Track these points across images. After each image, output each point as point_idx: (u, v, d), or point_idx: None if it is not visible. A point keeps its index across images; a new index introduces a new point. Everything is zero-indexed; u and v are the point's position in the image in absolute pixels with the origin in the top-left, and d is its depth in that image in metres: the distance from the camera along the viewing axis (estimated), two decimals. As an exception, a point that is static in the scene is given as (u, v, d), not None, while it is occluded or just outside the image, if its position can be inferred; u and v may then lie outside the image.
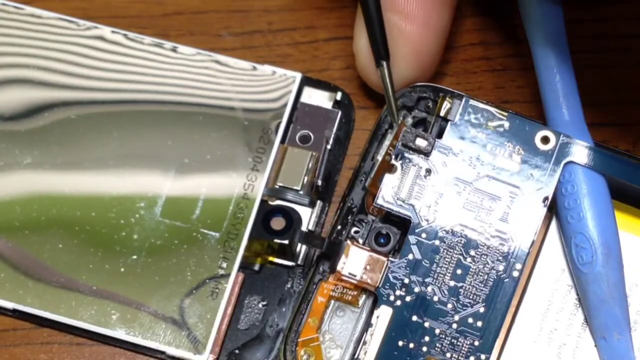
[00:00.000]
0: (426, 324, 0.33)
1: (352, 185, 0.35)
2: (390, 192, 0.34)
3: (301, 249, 0.36)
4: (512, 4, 0.36)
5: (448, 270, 0.33)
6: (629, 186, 0.34)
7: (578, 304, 0.34)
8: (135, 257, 0.35)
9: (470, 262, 0.33)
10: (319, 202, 0.36)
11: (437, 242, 0.33)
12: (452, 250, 0.33)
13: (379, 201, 0.34)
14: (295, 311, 0.34)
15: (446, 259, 0.33)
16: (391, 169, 0.34)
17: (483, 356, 0.33)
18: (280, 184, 0.36)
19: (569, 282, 0.34)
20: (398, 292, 0.33)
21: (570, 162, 0.34)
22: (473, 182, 0.34)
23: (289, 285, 0.36)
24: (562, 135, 0.34)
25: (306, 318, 0.34)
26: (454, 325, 0.33)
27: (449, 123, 0.34)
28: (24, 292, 0.35)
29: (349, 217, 0.35)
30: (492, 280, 0.33)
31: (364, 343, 0.33)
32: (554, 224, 0.35)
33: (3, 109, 0.37)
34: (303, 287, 0.35)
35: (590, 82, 0.37)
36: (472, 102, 0.34)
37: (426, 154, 0.34)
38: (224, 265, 0.35)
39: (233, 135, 0.37)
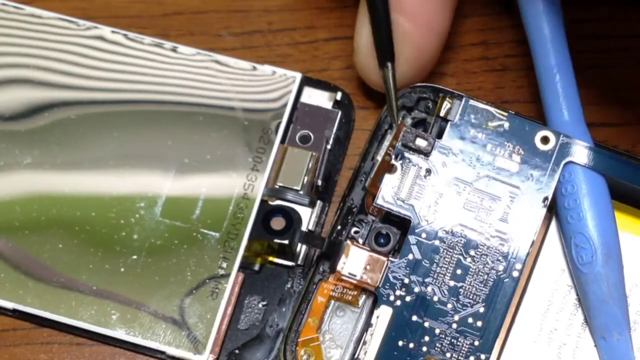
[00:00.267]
0: (426, 324, 0.33)
1: (352, 185, 0.35)
2: (390, 192, 0.34)
3: (301, 249, 0.36)
4: (512, 4, 0.36)
5: (448, 270, 0.33)
6: (629, 186, 0.34)
7: (578, 304, 0.34)
8: (135, 257, 0.35)
9: (470, 262, 0.33)
10: (319, 202, 0.36)
11: (437, 242, 0.33)
12: (452, 250, 0.33)
13: (379, 201, 0.34)
14: (295, 311, 0.34)
15: (446, 259, 0.33)
16: (391, 169, 0.34)
17: (483, 356, 0.33)
18: (280, 184, 0.36)
19: (569, 282, 0.34)
20: (398, 292, 0.33)
21: (570, 162, 0.34)
22: (473, 182, 0.34)
23: (289, 285, 0.36)
24: (562, 136, 0.34)
25: (306, 318, 0.34)
26: (454, 325, 0.33)
27: (449, 123, 0.34)
28: (24, 292, 0.35)
29: (349, 217, 0.35)
30: (492, 280, 0.33)
31: (364, 343, 0.33)
32: (554, 224, 0.35)
33: (3, 109, 0.37)
34: (303, 287, 0.35)
35: (590, 82, 0.37)
36: (472, 102, 0.34)
37: (426, 154, 0.34)
38: (224, 265, 0.35)
39: (233, 135, 0.37)
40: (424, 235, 0.33)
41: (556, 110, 0.34)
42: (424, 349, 0.33)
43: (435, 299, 0.33)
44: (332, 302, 0.34)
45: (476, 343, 0.33)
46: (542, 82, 0.35)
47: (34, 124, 0.37)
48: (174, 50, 0.38)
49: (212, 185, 0.36)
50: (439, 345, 0.33)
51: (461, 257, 0.33)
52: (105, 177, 0.36)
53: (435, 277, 0.33)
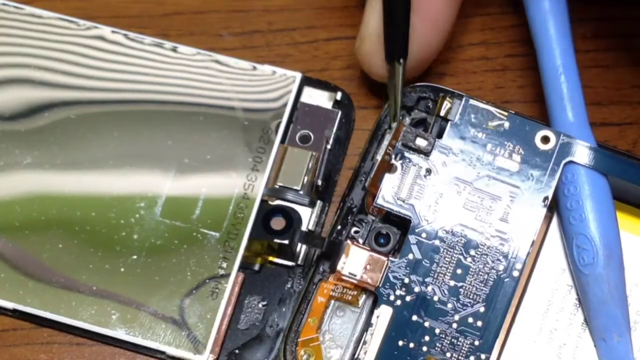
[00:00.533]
0: (426, 324, 0.33)
1: (352, 185, 0.35)
2: (390, 192, 0.34)
3: (301, 249, 0.36)
4: (512, 4, 0.36)
5: (448, 270, 0.33)
6: (629, 186, 0.34)
7: (578, 304, 0.34)
8: (135, 257, 0.35)
9: (471, 262, 0.33)
10: (319, 202, 0.36)
11: (437, 242, 0.33)
12: (452, 250, 0.33)
13: (379, 201, 0.33)
14: (295, 311, 0.34)
15: (446, 259, 0.33)
16: (391, 168, 0.34)
17: (483, 356, 0.33)
18: (280, 184, 0.36)
19: (569, 282, 0.34)
20: (398, 292, 0.33)
21: (571, 162, 0.34)
22: (473, 182, 0.34)
23: (289, 285, 0.36)
24: (562, 135, 0.34)
25: (306, 318, 0.34)
26: (454, 325, 0.33)
27: (449, 123, 0.34)
28: (24, 292, 0.35)
29: (349, 217, 0.35)
30: (492, 280, 0.33)
31: (364, 343, 0.33)
32: (554, 224, 0.35)
33: (3, 109, 0.37)
34: (303, 287, 0.35)
35: (591, 81, 0.37)
36: (472, 102, 0.34)
37: (426, 153, 0.34)
38: (224, 265, 0.35)
39: (233, 135, 0.37)
40: (424, 235, 0.33)
41: (560, 111, 0.34)
42: (424, 348, 0.33)
43: (436, 298, 0.33)
44: (332, 302, 0.34)
45: (476, 343, 0.33)
46: (546, 82, 0.35)
47: (34, 124, 0.37)
48: (174, 50, 0.38)
49: (212, 185, 0.36)
50: (439, 345, 0.33)
51: (461, 257, 0.33)
52: (105, 177, 0.36)
53: (435, 276, 0.33)
